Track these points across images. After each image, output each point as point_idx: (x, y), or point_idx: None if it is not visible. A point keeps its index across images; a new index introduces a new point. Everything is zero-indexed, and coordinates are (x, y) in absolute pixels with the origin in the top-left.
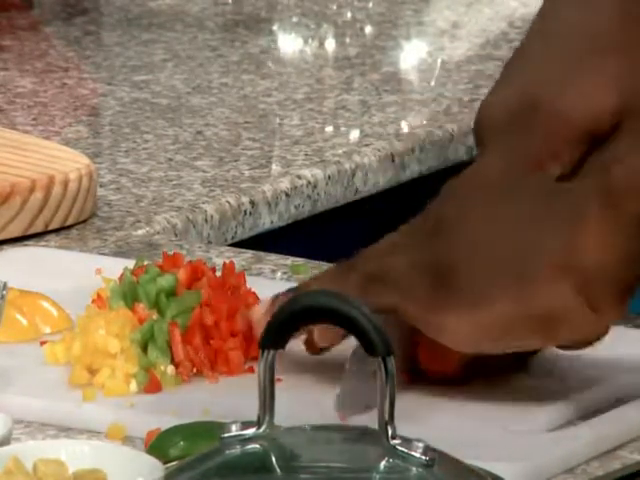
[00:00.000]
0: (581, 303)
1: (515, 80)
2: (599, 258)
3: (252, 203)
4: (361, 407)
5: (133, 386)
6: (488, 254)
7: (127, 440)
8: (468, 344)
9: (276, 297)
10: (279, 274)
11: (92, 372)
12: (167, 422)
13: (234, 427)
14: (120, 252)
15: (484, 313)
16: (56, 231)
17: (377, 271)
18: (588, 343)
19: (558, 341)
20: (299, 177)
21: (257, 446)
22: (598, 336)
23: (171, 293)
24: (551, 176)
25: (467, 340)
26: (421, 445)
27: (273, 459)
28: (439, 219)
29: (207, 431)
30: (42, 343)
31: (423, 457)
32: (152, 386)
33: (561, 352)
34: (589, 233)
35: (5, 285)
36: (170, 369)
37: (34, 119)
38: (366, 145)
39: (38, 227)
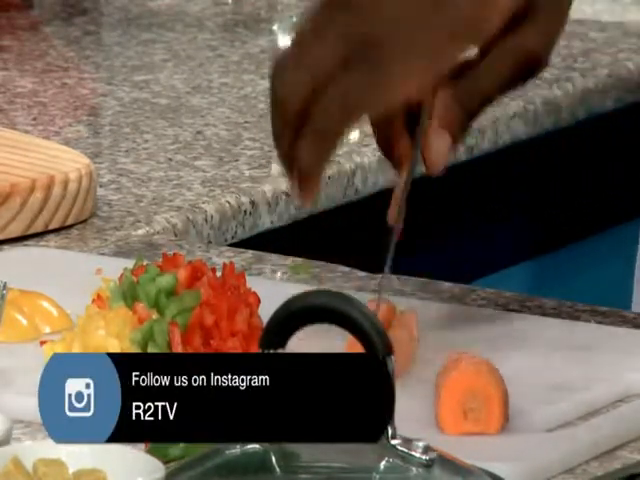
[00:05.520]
0: None
1: None
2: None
3: (252, 203)
4: None
5: None
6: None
7: None
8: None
9: None
10: (279, 274)
11: None
12: None
13: None
14: (120, 252)
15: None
16: (56, 231)
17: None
18: None
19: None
20: None
21: (257, 446)
22: None
23: (171, 293)
24: None
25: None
26: (421, 445)
27: (273, 459)
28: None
29: None
30: (42, 343)
31: (423, 457)
32: None
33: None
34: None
35: (5, 285)
36: None
37: (34, 119)
38: (366, 145)
39: (38, 227)
